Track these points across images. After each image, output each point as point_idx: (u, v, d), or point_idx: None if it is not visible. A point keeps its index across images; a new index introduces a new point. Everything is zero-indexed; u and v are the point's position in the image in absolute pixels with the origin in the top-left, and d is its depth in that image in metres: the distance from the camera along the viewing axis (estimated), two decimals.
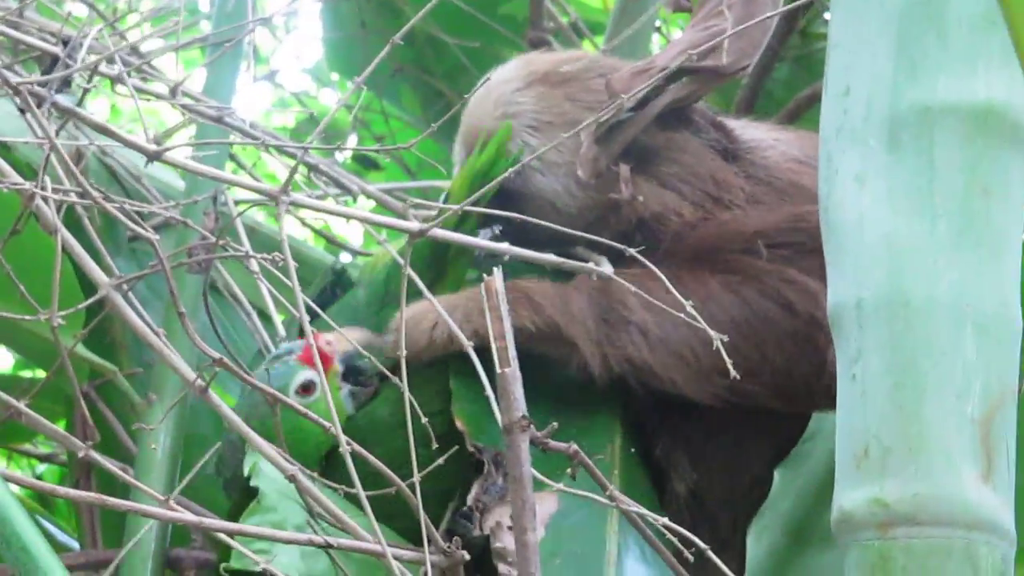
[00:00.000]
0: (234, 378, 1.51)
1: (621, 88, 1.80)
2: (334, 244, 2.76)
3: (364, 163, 3.29)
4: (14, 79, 1.68)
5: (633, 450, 1.80)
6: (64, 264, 1.58)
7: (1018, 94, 1.36)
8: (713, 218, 1.82)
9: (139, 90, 1.89)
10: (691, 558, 1.48)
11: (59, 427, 1.85)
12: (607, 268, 1.71)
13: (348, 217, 1.77)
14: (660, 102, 1.81)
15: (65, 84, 1.85)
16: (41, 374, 2.65)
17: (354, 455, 1.43)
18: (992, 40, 1.37)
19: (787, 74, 2.69)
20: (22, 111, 1.66)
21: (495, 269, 1.47)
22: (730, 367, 1.57)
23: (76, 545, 2.36)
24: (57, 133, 1.68)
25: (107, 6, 2.05)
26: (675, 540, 1.48)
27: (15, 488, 1.70)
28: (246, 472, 1.66)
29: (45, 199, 1.57)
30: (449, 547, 1.46)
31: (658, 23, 3.03)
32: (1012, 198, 1.38)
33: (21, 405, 1.55)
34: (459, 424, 1.71)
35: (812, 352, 1.72)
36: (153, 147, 1.59)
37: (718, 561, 1.46)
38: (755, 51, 1.85)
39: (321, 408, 1.60)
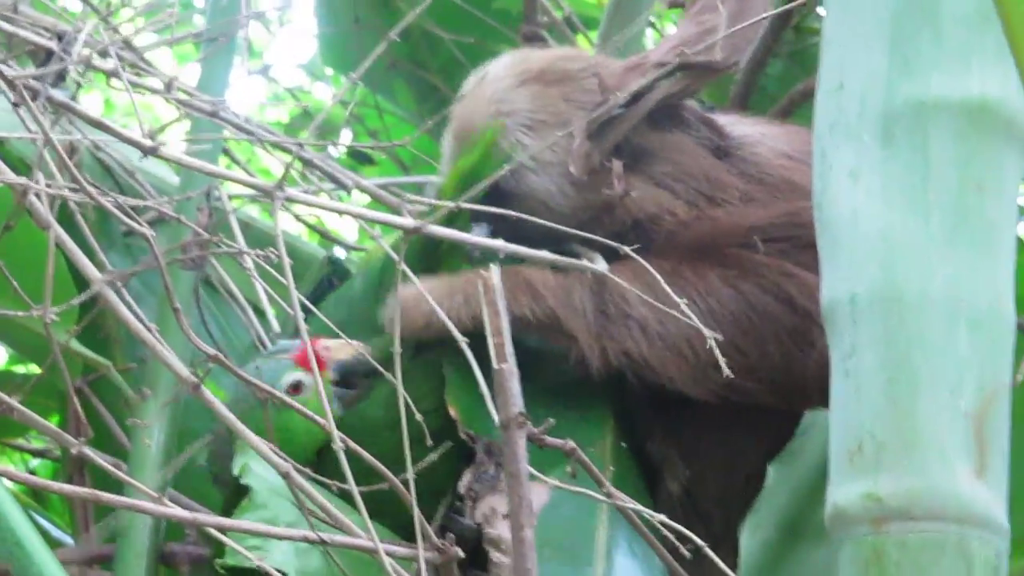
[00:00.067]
0: (227, 374, 1.51)
1: (614, 84, 1.80)
2: (328, 239, 2.75)
3: (358, 158, 3.28)
4: (8, 73, 1.67)
5: (625, 445, 1.80)
6: (57, 259, 1.58)
7: (1012, 90, 1.36)
8: (706, 216, 1.82)
9: (133, 84, 1.89)
10: (687, 554, 1.48)
11: (52, 423, 1.85)
12: (602, 265, 1.72)
13: (343, 213, 1.77)
14: (653, 97, 1.81)
15: (59, 78, 1.85)
16: (35, 370, 2.65)
17: (347, 452, 1.43)
18: (986, 36, 1.37)
19: (781, 69, 2.68)
20: (16, 105, 1.66)
21: (492, 265, 1.47)
22: (723, 366, 1.57)
23: (70, 540, 2.36)
24: (51, 128, 1.67)
25: (101, 0, 2.04)
26: (670, 536, 1.48)
27: (9, 484, 1.70)
28: (236, 471, 1.66)
29: (38, 194, 1.57)
30: (443, 543, 1.46)
31: (652, 18, 3.03)
32: (1006, 194, 1.39)
33: (14, 401, 1.54)
34: (452, 412, 1.72)
35: (808, 348, 1.72)
36: (148, 142, 1.59)
37: (714, 556, 1.46)
38: (747, 46, 1.85)
39: (309, 409, 1.60)
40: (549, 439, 1.45)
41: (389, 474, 1.42)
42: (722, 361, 1.57)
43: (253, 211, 2.66)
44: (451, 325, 1.59)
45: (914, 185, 1.37)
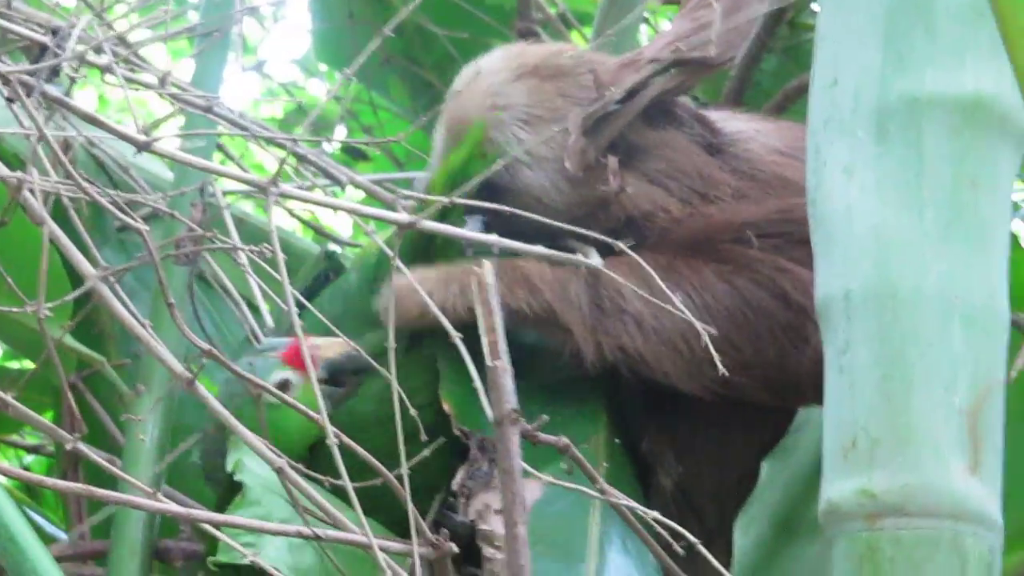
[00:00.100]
0: (220, 369, 1.51)
1: (609, 80, 1.80)
2: (322, 235, 2.75)
3: (352, 154, 3.28)
4: (2, 68, 1.67)
5: (619, 441, 1.80)
6: (51, 255, 1.58)
7: (1006, 86, 1.36)
8: (699, 213, 1.82)
9: (127, 80, 1.88)
10: (680, 551, 1.48)
11: (46, 418, 1.85)
12: (596, 260, 1.72)
13: (337, 208, 1.77)
14: (648, 94, 1.81)
15: (53, 74, 1.84)
16: (29, 365, 2.65)
17: (340, 449, 1.43)
18: (980, 32, 1.37)
19: (775, 65, 2.68)
20: (10, 101, 1.65)
21: (486, 262, 1.47)
22: (718, 362, 1.57)
23: (64, 536, 2.36)
24: (45, 124, 1.67)
25: None
26: (664, 533, 1.48)
27: (2, 479, 1.70)
28: (229, 468, 1.66)
29: (32, 190, 1.56)
30: (437, 539, 1.46)
31: (646, 14, 3.03)
32: (1000, 190, 1.39)
33: (8, 397, 1.54)
34: (446, 407, 1.71)
35: (803, 344, 1.72)
36: (142, 138, 1.58)
37: (707, 554, 1.46)
38: (742, 42, 1.85)
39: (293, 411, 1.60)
40: (543, 436, 1.45)
41: (383, 469, 1.42)
42: (717, 358, 1.57)
43: (247, 207, 2.67)
44: (444, 319, 1.59)
45: (908, 181, 1.37)
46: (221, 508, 1.67)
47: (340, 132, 3.41)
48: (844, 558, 1.36)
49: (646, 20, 3.08)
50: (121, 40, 2.04)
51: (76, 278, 1.58)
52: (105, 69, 1.85)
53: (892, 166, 1.38)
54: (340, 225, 3.60)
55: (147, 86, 1.93)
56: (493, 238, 1.65)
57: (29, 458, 3.05)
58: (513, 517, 1.38)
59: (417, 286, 1.64)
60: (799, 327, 1.72)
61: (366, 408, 1.75)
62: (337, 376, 1.76)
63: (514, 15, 2.82)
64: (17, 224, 1.61)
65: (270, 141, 2.12)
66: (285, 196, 1.59)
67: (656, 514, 1.48)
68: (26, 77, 1.71)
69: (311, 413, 1.45)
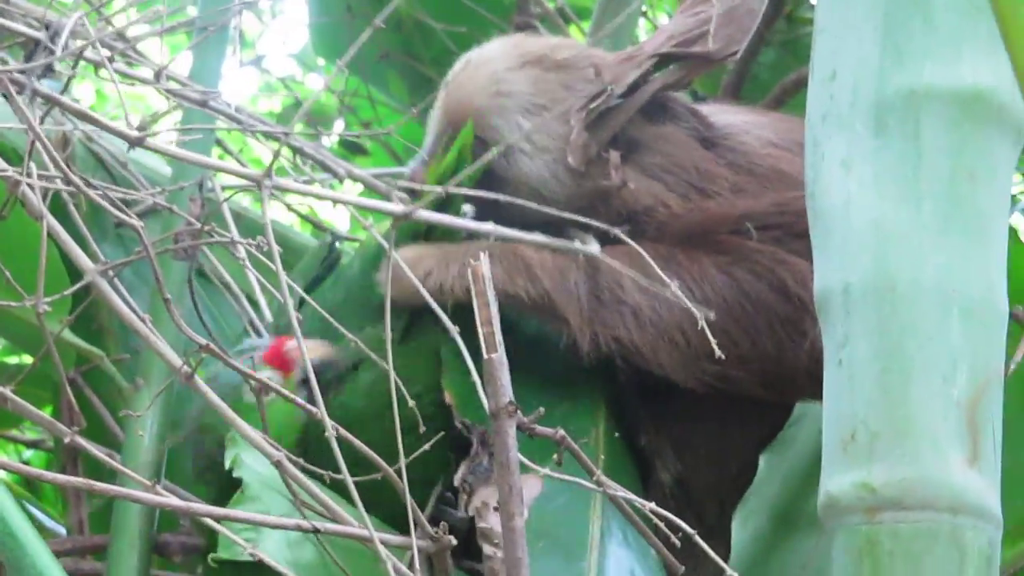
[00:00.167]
0: (218, 364, 1.50)
1: (610, 75, 1.80)
2: (320, 229, 2.76)
3: (351, 148, 3.28)
4: None
5: (617, 435, 1.80)
6: (50, 250, 1.58)
7: (1004, 78, 1.36)
8: (697, 208, 1.81)
9: (123, 75, 1.88)
10: (678, 544, 1.48)
11: (45, 413, 1.85)
12: (594, 247, 1.72)
13: (332, 200, 1.77)
14: (649, 89, 1.81)
15: (48, 69, 1.84)
16: (27, 360, 2.65)
17: (330, 444, 1.43)
18: (978, 24, 1.37)
19: (773, 59, 2.69)
20: (6, 97, 1.65)
21: (484, 252, 1.47)
22: (716, 352, 1.57)
23: (63, 531, 2.36)
24: (43, 119, 1.67)
25: None
26: (662, 526, 1.48)
27: (2, 473, 1.70)
28: (228, 464, 1.66)
29: (31, 186, 1.56)
30: (436, 532, 1.46)
31: (644, 8, 3.03)
32: (998, 182, 1.39)
33: (7, 391, 1.54)
34: (448, 398, 1.71)
35: (800, 338, 1.72)
36: (134, 133, 1.58)
37: (705, 547, 1.46)
38: (744, 37, 1.84)
39: (277, 409, 1.60)
40: (539, 428, 1.45)
41: (382, 463, 1.42)
42: (714, 342, 1.57)
43: (246, 202, 2.67)
44: (440, 312, 1.59)
45: (906, 174, 1.37)
46: (218, 505, 1.67)
47: (338, 127, 3.41)
48: (843, 552, 1.36)
49: (644, 14, 3.08)
50: (119, 35, 2.04)
51: (75, 273, 1.58)
52: (99, 64, 1.85)
53: (890, 159, 1.37)
54: (338, 219, 3.60)
55: (142, 81, 1.93)
56: (491, 227, 1.65)
57: (28, 453, 3.06)
58: (510, 509, 1.38)
59: (414, 280, 1.64)
60: (797, 321, 1.72)
61: (357, 403, 1.74)
62: (316, 379, 1.75)
63: (512, 10, 2.83)
64: (16, 219, 1.61)
65: (267, 135, 2.12)
66: (280, 189, 1.59)
67: (653, 505, 1.48)
68: (17, 75, 1.71)
69: (308, 407, 1.45)
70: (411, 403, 1.51)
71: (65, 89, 1.83)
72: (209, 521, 1.49)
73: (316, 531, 1.42)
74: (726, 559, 1.63)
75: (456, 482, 1.68)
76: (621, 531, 1.66)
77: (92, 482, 1.45)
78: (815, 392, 1.46)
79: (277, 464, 1.43)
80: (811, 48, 1.46)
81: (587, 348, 1.74)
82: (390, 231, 1.56)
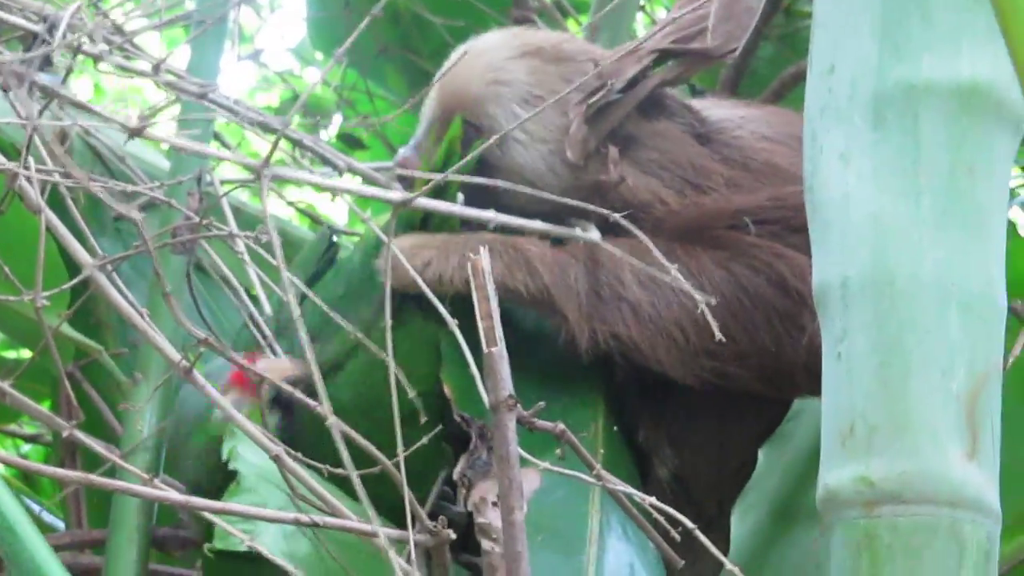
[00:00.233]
0: (217, 358, 1.51)
1: (609, 70, 1.80)
2: (319, 223, 2.76)
3: (349, 142, 3.28)
4: None
5: (616, 429, 1.80)
6: (48, 244, 1.58)
7: (1003, 72, 1.36)
8: (693, 204, 1.81)
9: (121, 68, 1.88)
10: (677, 538, 1.48)
11: (44, 407, 1.85)
12: (595, 234, 1.71)
13: (330, 189, 1.77)
14: (648, 84, 1.81)
15: (47, 63, 1.84)
16: (26, 354, 2.65)
17: (324, 439, 1.42)
18: (976, 18, 1.37)
19: (772, 52, 2.68)
20: (4, 90, 1.65)
21: (482, 248, 1.47)
22: (716, 344, 1.57)
23: (62, 525, 2.36)
24: (41, 113, 1.67)
25: None
26: (662, 519, 1.48)
27: (1, 468, 1.70)
28: (224, 456, 1.66)
29: (29, 179, 1.56)
30: (435, 526, 1.46)
31: (642, 2, 3.03)
32: (997, 176, 1.39)
33: (6, 385, 1.54)
34: (447, 391, 1.70)
35: (799, 333, 1.72)
36: (133, 124, 1.58)
37: (705, 540, 1.46)
38: (742, 34, 1.84)
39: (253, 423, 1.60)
40: (539, 422, 1.45)
41: (381, 456, 1.42)
42: (715, 328, 1.57)
43: (244, 196, 2.66)
44: (438, 303, 1.59)
45: (905, 168, 1.37)
46: (214, 498, 1.67)
47: (337, 121, 3.41)
48: (842, 545, 1.36)
49: (642, 8, 3.08)
50: (117, 29, 2.04)
51: (73, 267, 1.58)
52: (97, 57, 1.85)
53: (889, 153, 1.37)
54: (336, 213, 3.60)
55: (140, 73, 1.93)
56: (491, 214, 1.64)
57: (27, 447, 3.06)
58: (510, 503, 1.38)
59: (411, 271, 1.63)
60: (796, 315, 1.72)
61: (344, 397, 1.73)
62: (284, 399, 1.75)
63: (510, 4, 2.82)
64: (14, 213, 1.61)
65: (264, 128, 2.12)
66: (279, 179, 1.59)
67: (652, 499, 1.48)
68: (17, 67, 1.70)
69: (310, 401, 1.45)
70: (412, 394, 1.51)
71: (63, 82, 1.82)
72: (206, 513, 1.50)
73: (316, 525, 1.42)
74: (725, 553, 1.63)
75: (455, 476, 1.68)
76: (620, 525, 1.66)
77: (90, 476, 1.45)
78: (813, 388, 1.46)
79: (275, 458, 1.43)
80: (810, 42, 1.46)
81: (585, 345, 1.74)
82: (389, 220, 1.55)
